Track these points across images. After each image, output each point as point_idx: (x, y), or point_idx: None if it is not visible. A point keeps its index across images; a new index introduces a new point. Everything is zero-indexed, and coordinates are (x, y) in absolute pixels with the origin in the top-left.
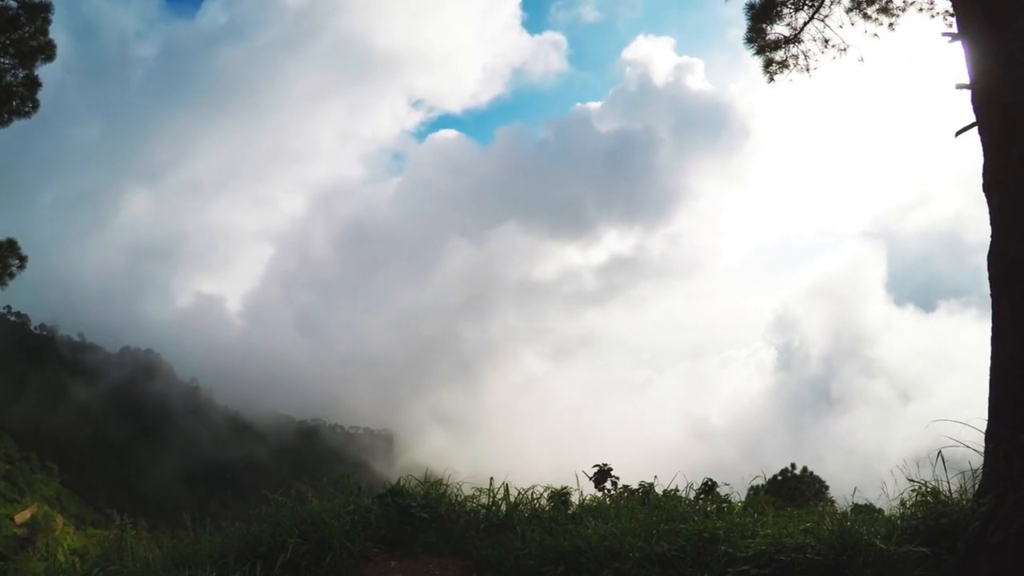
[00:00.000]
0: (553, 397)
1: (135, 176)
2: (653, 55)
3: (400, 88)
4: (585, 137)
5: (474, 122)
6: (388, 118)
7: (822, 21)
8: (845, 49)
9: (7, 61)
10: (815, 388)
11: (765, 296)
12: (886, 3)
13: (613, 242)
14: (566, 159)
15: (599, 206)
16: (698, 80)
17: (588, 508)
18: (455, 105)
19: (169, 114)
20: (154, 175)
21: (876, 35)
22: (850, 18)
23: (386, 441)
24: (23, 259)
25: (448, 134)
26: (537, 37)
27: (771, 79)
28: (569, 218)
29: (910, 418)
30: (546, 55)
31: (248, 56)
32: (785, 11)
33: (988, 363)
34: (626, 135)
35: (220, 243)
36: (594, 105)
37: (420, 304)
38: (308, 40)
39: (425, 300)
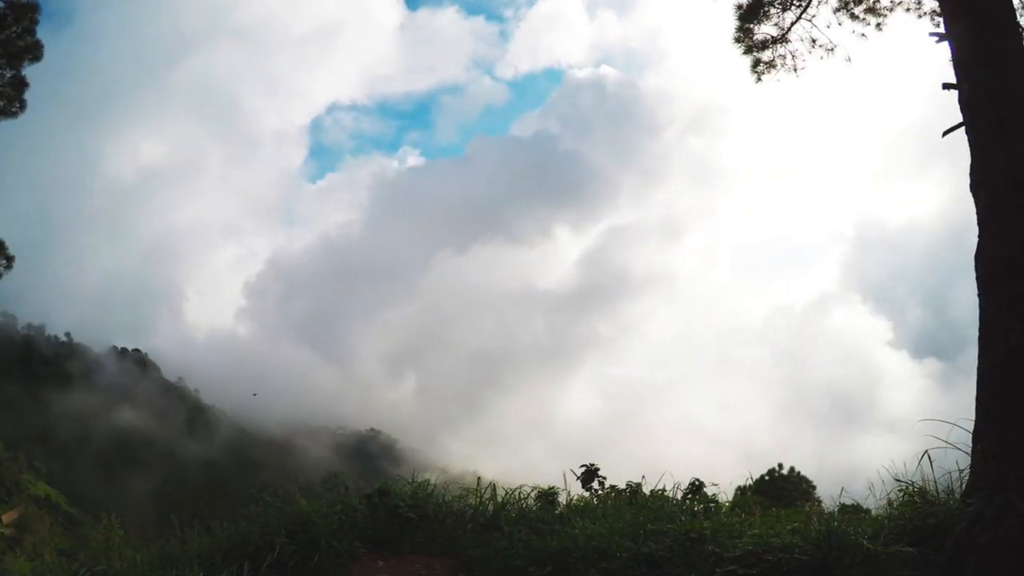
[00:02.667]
0: (567, 403)
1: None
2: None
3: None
4: (529, 143)
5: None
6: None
7: (809, 21)
8: (832, 49)
9: None
10: (806, 388)
11: (755, 298)
12: (873, 3)
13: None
14: (504, 168)
15: (557, 210)
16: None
17: (575, 508)
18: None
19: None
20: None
21: (864, 35)
22: (837, 18)
23: (411, 449)
24: (10, 259)
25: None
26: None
27: (759, 79)
28: (532, 226)
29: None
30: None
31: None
32: (772, 11)
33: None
34: (560, 138)
35: (195, 250)
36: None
37: (421, 315)
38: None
39: (426, 311)
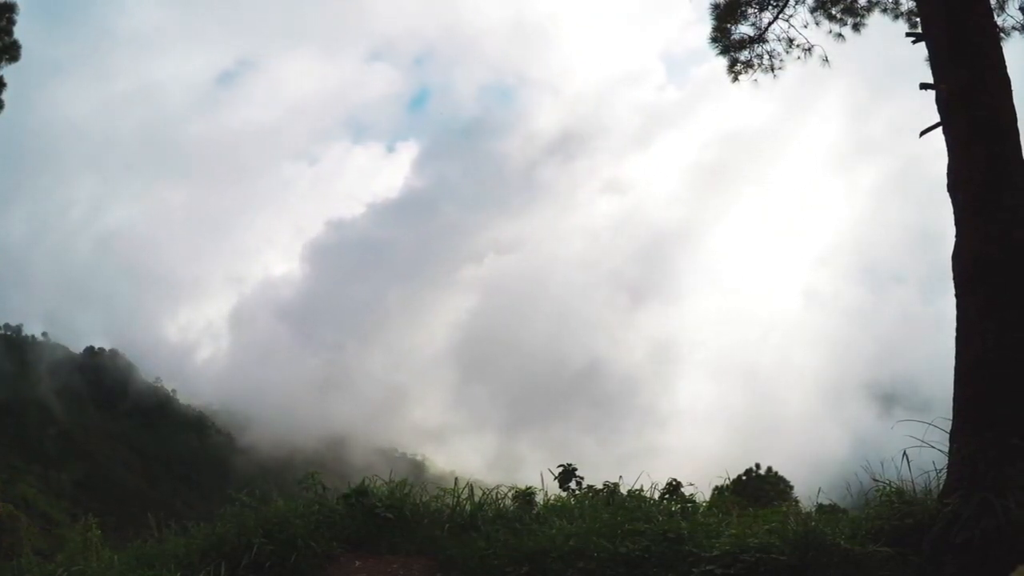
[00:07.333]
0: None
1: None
2: None
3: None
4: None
5: None
6: None
7: (787, 21)
8: (810, 49)
9: None
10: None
11: (749, 303)
12: (851, 3)
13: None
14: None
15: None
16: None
17: (553, 508)
18: None
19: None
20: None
21: (841, 35)
22: (815, 18)
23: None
24: None
25: None
26: None
27: (735, 79)
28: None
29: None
30: None
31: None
32: (750, 11)
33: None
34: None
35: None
36: None
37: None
38: None
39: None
